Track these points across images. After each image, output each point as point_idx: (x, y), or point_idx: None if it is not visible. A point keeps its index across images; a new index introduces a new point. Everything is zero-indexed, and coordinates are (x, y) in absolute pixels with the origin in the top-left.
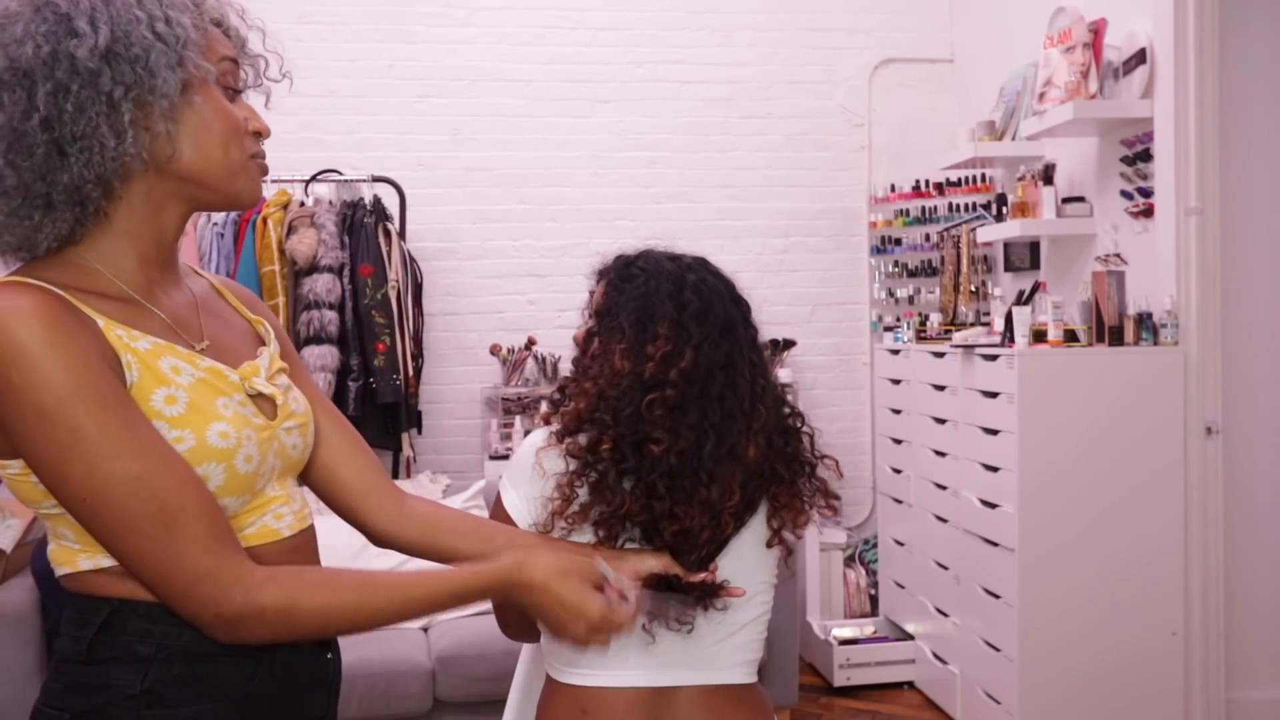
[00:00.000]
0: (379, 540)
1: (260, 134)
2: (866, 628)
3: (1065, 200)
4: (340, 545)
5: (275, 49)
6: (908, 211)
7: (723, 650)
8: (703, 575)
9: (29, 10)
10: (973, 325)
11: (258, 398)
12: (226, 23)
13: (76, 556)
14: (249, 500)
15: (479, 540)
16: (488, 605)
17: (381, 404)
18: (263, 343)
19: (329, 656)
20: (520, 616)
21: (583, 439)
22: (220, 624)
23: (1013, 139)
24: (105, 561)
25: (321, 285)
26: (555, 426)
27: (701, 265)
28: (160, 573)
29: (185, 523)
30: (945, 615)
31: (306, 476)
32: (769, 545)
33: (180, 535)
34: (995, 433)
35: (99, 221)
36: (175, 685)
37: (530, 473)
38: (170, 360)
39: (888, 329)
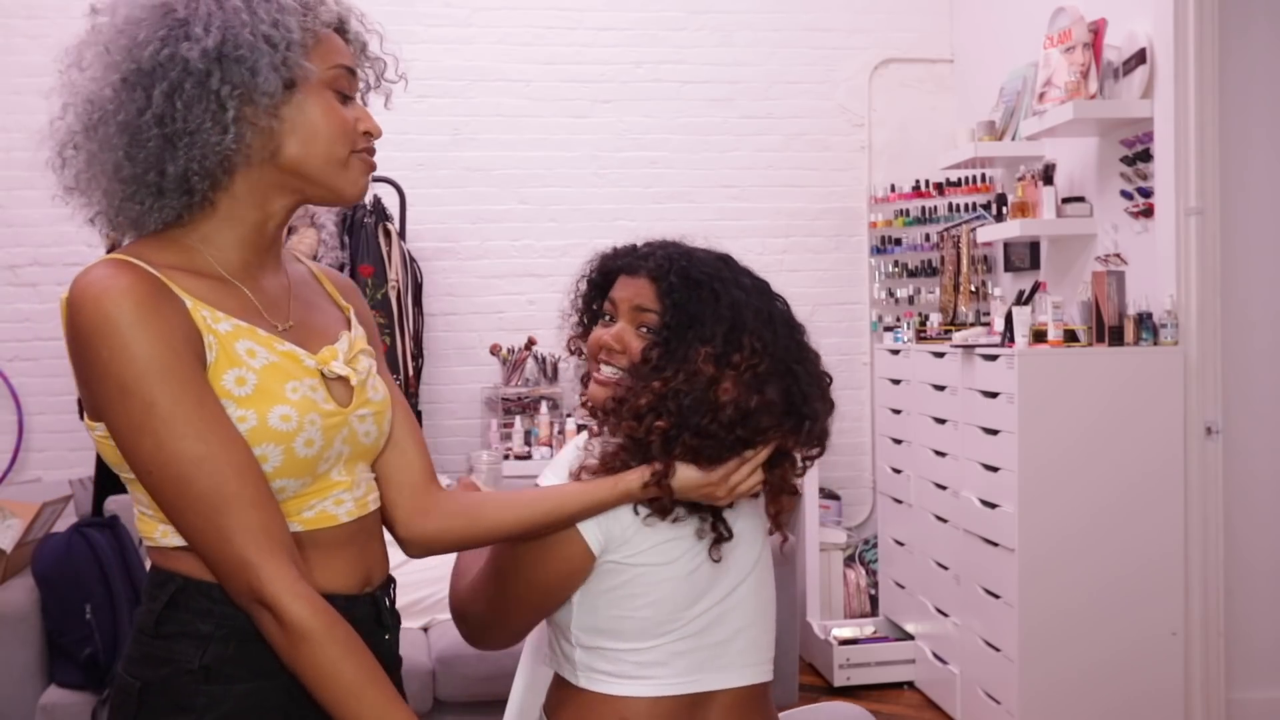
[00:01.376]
0: (409, 544)
1: (370, 134)
2: (866, 628)
3: (1065, 200)
4: None
5: (393, 51)
6: (908, 211)
7: (754, 645)
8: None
9: (154, 15)
10: (973, 325)
11: (336, 381)
12: (347, 28)
13: (155, 529)
14: (309, 483)
15: (522, 508)
16: None
17: None
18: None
19: (386, 638)
20: (495, 618)
21: (641, 420)
22: (256, 609)
23: (1013, 139)
24: (180, 540)
25: None
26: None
27: (734, 262)
28: (210, 551)
29: (238, 509)
30: (945, 615)
31: None
32: (770, 534)
33: (231, 520)
34: (995, 433)
35: (205, 208)
36: (231, 663)
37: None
38: (247, 343)
39: (888, 329)
